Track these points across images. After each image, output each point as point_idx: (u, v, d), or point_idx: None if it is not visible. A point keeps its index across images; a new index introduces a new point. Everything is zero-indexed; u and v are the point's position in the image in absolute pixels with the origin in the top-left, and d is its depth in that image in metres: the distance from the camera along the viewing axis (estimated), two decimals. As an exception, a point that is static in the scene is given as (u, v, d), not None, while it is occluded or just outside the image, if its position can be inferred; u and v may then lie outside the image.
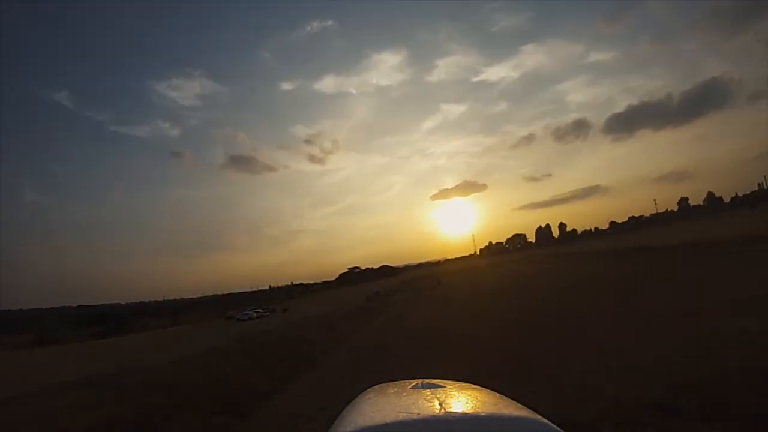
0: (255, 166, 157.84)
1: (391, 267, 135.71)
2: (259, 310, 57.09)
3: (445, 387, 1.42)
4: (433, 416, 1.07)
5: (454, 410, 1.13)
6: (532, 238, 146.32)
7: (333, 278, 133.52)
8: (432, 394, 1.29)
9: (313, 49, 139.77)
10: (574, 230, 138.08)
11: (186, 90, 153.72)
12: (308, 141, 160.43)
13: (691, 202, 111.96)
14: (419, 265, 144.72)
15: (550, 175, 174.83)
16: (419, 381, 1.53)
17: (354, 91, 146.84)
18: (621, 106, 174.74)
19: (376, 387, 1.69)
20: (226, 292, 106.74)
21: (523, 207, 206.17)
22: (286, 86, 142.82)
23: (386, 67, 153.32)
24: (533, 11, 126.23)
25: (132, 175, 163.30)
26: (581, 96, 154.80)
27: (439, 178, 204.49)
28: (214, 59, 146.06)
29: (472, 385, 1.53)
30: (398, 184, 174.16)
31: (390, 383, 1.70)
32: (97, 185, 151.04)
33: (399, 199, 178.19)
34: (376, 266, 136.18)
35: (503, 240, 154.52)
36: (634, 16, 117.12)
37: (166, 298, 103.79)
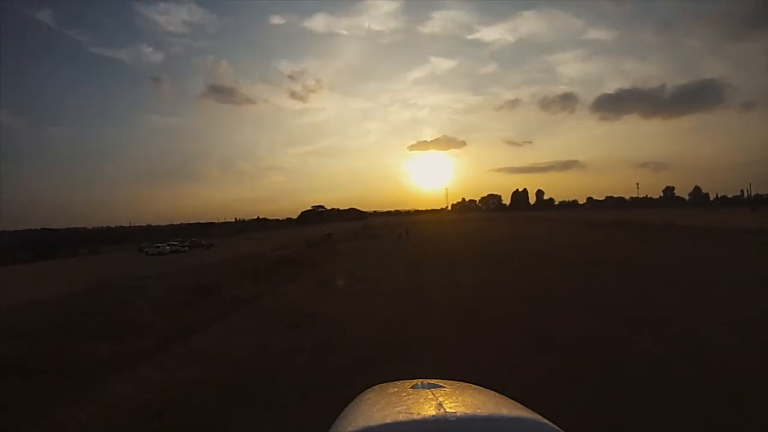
0: (235, 98, 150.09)
1: (359, 211, 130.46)
2: (175, 243, 49.15)
3: (445, 387, 1.40)
4: (433, 416, 1.06)
5: (454, 410, 1.11)
6: (507, 200, 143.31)
7: (296, 216, 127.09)
8: (432, 394, 1.28)
9: None
10: (552, 199, 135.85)
11: (173, 15, 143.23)
12: (292, 77, 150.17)
13: (676, 193, 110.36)
14: (388, 213, 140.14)
15: (530, 142, 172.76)
16: (419, 381, 1.50)
17: (344, 32, 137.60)
18: (612, 87, 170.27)
19: (376, 387, 1.61)
20: (192, 222, 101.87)
21: (500, 170, 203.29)
22: (276, 20, 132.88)
23: (380, 12, 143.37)
24: None
25: (109, 99, 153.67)
26: (573, 70, 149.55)
27: (418, 130, 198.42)
28: None
29: (472, 385, 1.52)
30: (377, 131, 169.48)
31: (390, 383, 1.62)
32: (74, 108, 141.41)
33: (376, 146, 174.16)
34: (343, 208, 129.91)
35: (477, 198, 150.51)
36: (642, 0, 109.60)
37: (132, 224, 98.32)
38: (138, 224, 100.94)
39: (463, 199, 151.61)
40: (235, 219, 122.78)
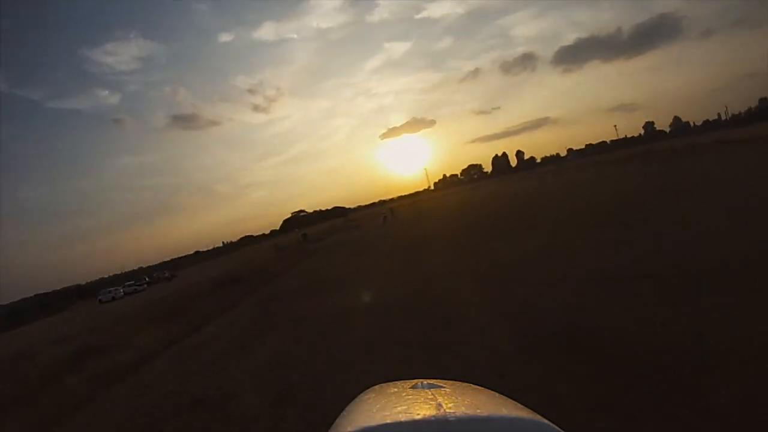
0: (199, 122, 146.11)
1: (343, 208, 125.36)
2: (131, 282, 43.91)
3: (445, 387, 1.12)
4: (433, 416, 0.88)
5: (454, 410, 0.90)
6: (488, 168, 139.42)
7: (278, 226, 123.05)
8: (432, 394, 1.03)
9: None
10: (533, 158, 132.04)
11: (122, 54, 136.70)
12: (251, 91, 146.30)
13: (657, 127, 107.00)
14: (372, 205, 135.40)
15: (499, 107, 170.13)
16: (419, 381, 1.19)
17: (294, 36, 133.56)
18: (569, 39, 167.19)
19: (376, 387, 1.23)
20: (181, 255, 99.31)
21: (475, 140, 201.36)
22: (225, 37, 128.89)
23: (326, 9, 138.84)
24: None
25: (74, 150, 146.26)
26: (528, 29, 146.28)
27: (386, 117, 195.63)
28: (148, 17, 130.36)
29: (472, 385, 1.15)
30: (345, 127, 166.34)
31: (390, 383, 1.24)
32: (41, 166, 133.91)
33: (347, 142, 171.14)
34: (325, 208, 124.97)
35: (458, 172, 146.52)
36: None
37: (124, 270, 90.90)
38: (130, 269, 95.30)
39: (444, 175, 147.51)
40: (223, 242, 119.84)
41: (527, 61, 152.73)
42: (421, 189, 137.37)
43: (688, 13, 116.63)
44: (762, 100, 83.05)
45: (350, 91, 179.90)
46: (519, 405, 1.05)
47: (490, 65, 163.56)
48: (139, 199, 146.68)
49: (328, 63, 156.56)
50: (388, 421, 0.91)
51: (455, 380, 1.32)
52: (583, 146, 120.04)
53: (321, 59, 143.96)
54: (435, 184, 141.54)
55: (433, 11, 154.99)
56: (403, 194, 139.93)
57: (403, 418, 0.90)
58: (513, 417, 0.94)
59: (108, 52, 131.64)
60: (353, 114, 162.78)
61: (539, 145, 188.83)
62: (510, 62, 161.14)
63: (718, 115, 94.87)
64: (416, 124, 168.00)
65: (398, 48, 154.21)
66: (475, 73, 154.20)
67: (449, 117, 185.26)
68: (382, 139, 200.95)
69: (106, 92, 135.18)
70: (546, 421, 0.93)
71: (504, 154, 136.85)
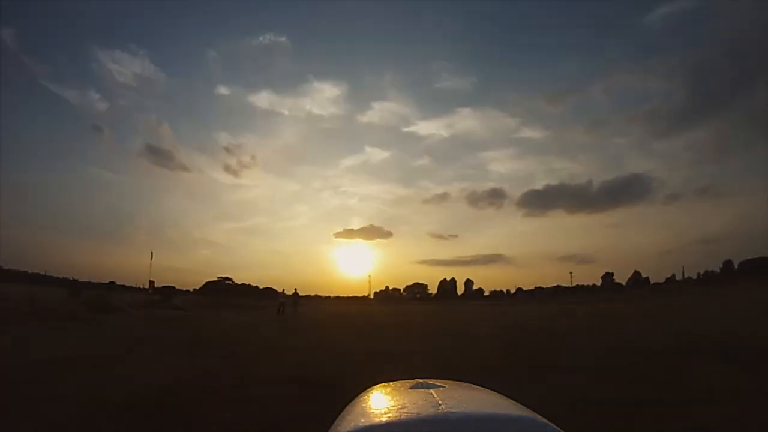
0: (170, 163, 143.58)
1: (276, 291, 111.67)
2: None
3: (444, 387, 1.42)
4: (433, 416, 1.06)
5: (454, 410, 1.11)
6: (433, 290, 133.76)
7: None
8: (432, 393, 1.28)
9: (259, 60, 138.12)
10: (481, 289, 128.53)
11: (126, 66, 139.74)
12: (228, 150, 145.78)
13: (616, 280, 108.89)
14: (307, 296, 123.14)
15: (456, 236, 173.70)
16: (419, 381, 1.52)
17: (286, 112, 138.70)
18: (540, 183, 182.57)
19: (376, 387, 1.62)
20: (107, 281, 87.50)
21: (424, 261, 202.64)
22: (223, 90, 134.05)
23: (323, 97, 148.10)
24: (478, 77, 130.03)
25: (50, 137, 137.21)
26: (504, 167, 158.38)
27: (346, 218, 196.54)
28: (161, 44, 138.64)
29: (472, 385, 1.54)
30: (306, 216, 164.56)
31: (390, 383, 1.63)
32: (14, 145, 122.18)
33: (303, 230, 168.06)
34: (255, 285, 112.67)
35: (401, 287, 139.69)
36: (575, 101, 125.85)
37: (47, 273, 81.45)
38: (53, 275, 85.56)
39: (387, 287, 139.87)
40: (151, 285, 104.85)
41: (495, 197, 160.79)
42: (360, 295, 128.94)
43: (659, 175, 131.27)
44: (727, 263, 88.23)
45: (321, 182, 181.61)
46: (519, 405, 1.20)
47: (459, 193, 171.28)
48: (86, 212, 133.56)
49: (309, 149, 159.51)
50: (388, 421, 1.01)
51: (455, 380, 1.55)
52: (533, 287, 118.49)
53: (303, 143, 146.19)
54: (375, 293, 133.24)
55: (421, 128, 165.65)
56: (341, 295, 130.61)
57: (402, 417, 1.02)
58: (513, 416, 1.08)
59: (115, 58, 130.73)
60: (317, 205, 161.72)
61: (487, 280, 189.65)
62: (478, 194, 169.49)
63: (673, 275, 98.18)
64: (373, 231, 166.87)
65: (378, 154, 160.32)
66: (443, 197, 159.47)
67: (406, 233, 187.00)
68: (336, 237, 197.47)
69: (98, 96, 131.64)
70: (546, 421, 1.03)
71: (453, 279, 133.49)
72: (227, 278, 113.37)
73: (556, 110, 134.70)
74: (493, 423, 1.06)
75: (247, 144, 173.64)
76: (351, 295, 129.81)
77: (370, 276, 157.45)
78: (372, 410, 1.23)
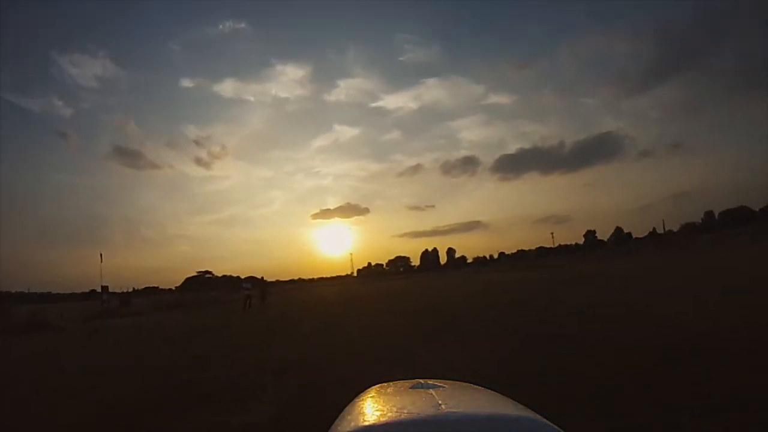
0: (140, 162, 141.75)
1: (258, 279, 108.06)
2: None
3: (444, 387, 1.40)
4: (433, 416, 1.04)
5: (454, 410, 1.10)
6: (416, 262, 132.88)
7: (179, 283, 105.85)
8: (432, 394, 1.26)
9: (221, 48, 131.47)
10: (464, 257, 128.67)
11: (86, 68, 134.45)
12: (197, 142, 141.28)
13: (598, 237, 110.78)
14: (291, 281, 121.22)
15: (433, 206, 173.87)
16: (419, 381, 1.50)
17: (252, 99, 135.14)
18: (512, 148, 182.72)
19: (376, 387, 1.60)
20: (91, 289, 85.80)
21: (404, 234, 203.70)
22: (187, 83, 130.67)
23: (288, 80, 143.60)
24: (443, 47, 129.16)
25: (13, 148, 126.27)
26: (475, 134, 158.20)
27: (322, 198, 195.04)
28: (120, 42, 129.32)
29: (472, 385, 1.52)
30: (280, 200, 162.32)
31: (390, 383, 1.62)
32: None
33: (279, 215, 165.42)
34: (237, 275, 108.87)
35: (384, 262, 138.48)
36: (542, 65, 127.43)
37: (30, 290, 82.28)
38: (36, 290, 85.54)
39: (369, 263, 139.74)
40: (133, 289, 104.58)
41: (468, 164, 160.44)
42: (344, 274, 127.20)
43: (629, 133, 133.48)
44: (708, 213, 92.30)
45: (293, 165, 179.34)
46: (519, 405, 1.17)
47: (432, 163, 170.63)
48: (60, 220, 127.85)
49: (278, 133, 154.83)
50: (388, 421, 0.99)
51: (455, 380, 1.50)
52: (516, 251, 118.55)
53: (271, 128, 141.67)
54: (359, 271, 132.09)
55: (388, 102, 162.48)
56: (325, 276, 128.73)
57: (402, 417, 1.00)
58: (513, 416, 1.06)
59: (74, 62, 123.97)
60: (291, 189, 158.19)
61: (468, 247, 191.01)
62: (451, 163, 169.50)
63: (654, 229, 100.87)
64: (350, 209, 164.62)
65: (347, 132, 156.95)
66: (416, 169, 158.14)
67: (383, 208, 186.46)
68: (313, 219, 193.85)
69: (61, 103, 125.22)
70: (546, 421, 1.00)
71: (435, 249, 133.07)
72: (207, 272, 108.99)
73: (523, 75, 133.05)
74: (493, 423, 1.04)
75: (216, 134, 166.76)
76: (335, 275, 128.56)
77: (351, 254, 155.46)
78: (372, 410, 1.21)
